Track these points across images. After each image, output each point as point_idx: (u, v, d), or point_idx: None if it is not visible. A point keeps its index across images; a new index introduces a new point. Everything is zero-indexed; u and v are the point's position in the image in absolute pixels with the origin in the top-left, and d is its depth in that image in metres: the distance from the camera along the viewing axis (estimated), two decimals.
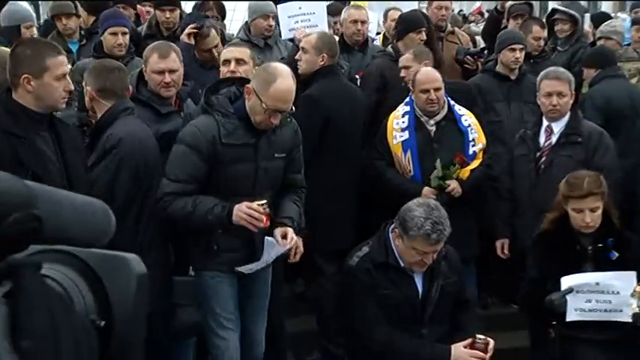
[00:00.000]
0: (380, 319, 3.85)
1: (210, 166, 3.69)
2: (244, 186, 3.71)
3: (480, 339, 3.78)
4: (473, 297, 4.81)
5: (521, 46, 5.50)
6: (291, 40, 6.01)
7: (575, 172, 4.18)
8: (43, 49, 3.37)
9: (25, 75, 3.20)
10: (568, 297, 3.97)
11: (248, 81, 3.75)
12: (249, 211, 3.50)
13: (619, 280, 3.92)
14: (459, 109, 4.97)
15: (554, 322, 4.13)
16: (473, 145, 4.84)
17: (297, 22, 5.94)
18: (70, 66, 4.01)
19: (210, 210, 3.57)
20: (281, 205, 3.89)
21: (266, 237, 3.74)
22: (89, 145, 3.77)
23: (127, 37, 5.34)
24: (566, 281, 4.00)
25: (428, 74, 4.87)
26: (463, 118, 4.90)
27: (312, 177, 4.45)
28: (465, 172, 4.82)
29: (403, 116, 4.88)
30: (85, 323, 1.07)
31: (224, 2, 7.87)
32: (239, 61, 4.29)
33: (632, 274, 3.93)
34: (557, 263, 4.09)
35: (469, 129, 4.85)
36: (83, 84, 3.97)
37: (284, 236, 3.69)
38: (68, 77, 3.37)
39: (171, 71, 4.04)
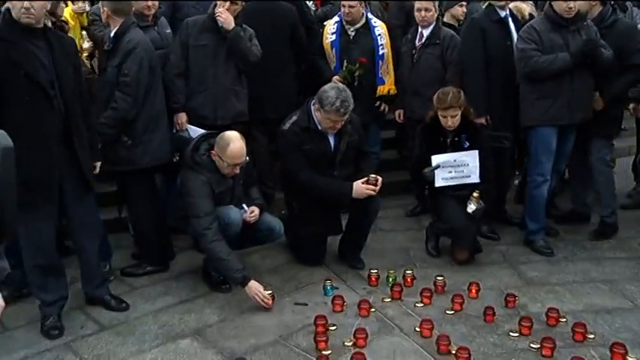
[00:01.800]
0: (304, 165, 4.32)
1: None
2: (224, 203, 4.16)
3: (372, 177, 4.33)
4: (375, 151, 5.53)
5: None
6: None
7: (444, 89, 4.66)
8: None
9: None
10: (436, 171, 4.63)
11: (216, 135, 4.18)
12: (261, 296, 3.98)
13: (468, 157, 4.65)
14: (375, 22, 5.53)
15: (427, 186, 4.86)
16: (382, 49, 5.49)
17: None
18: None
19: (234, 270, 3.96)
20: (250, 192, 4.44)
21: (244, 206, 4.30)
22: (112, 49, 4.19)
23: None
24: (435, 159, 4.63)
25: None
26: (376, 29, 5.50)
27: (254, 67, 4.94)
28: (393, 89, 5.58)
29: (334, 24, 5.49)
30: None
31: None
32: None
33: (475, 151, 4.63)
34: (431, 148, 4.68)
35: (379, 36, 5.48)
36: (100, 5, 4.48)
37: (252, 212, 4.26)
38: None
39: None
